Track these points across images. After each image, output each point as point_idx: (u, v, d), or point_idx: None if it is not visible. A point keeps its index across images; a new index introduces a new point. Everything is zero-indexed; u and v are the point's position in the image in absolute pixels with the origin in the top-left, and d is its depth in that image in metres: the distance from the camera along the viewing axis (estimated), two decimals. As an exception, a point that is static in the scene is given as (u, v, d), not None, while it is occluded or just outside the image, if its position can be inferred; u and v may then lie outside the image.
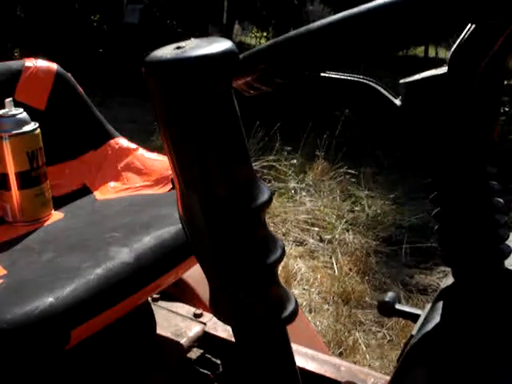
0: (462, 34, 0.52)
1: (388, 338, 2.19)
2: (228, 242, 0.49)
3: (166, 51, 0.46)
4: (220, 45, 0.45)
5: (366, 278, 2.59)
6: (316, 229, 3.03)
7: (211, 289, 0.52)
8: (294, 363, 0.55)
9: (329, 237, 2.96)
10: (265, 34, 7.42)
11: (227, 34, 6.93)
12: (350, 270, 2.64)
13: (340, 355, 2.04)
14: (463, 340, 0.55)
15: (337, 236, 2.95)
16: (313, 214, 3.15)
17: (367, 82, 0.57)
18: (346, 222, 3.09)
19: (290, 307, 0.51)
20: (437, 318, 0.59)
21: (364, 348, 2.12)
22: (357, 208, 3.28)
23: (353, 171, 3.50)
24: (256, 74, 0.48)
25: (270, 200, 0.48)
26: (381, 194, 3.40)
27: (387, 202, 3.33)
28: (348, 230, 3.02)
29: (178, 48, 0.46)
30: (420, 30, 0.45)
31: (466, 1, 0.43)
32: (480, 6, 0.44)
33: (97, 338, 0.88)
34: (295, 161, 3.69)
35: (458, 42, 0.54)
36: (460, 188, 0.58)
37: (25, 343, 0.79)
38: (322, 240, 2.95)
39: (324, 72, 0.53)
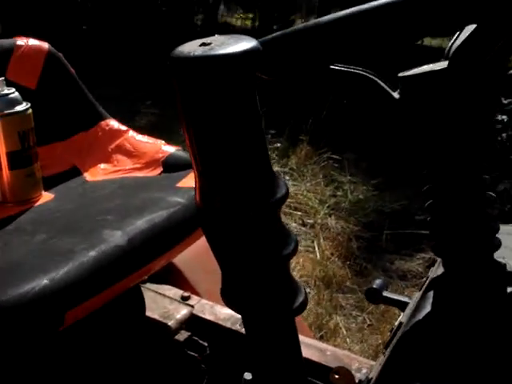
0: (464, 31, 0.53)
1: (368, 322, 2.22)
2: (245, 234, 0.50)
3: (192, 48, 0.46)
4: (246, 43, 0.46)
5: (348, 262, 2.61)
6: (299, 213, 3.04)
7: (224, 278, 0.53)
8: (301, 353, 0.56)
9: (311, 221, 2.98)
10: (250, 15, 7.37)
11: (212, 15, 6.87)
12: (332, 254, 2.66)
13: (321, 338, 2.07)
14: (454, 329, 0.57)
15: (319, 220, 2.97)
16: (296, 198, 3.16)
17: (367, 74, 0.58)
18: (328, 206, 3.11)
19: (300, 298, 0.52)
20: (428, 307, 0.61)
21: (344, 332, 2.15)
22: (339, 193, 3.30)
23: (336, 156, 3.51)
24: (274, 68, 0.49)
25: (286, 195, 0.50)
26: (363, 179, 3.42)
27: (369, 187, 3.35)
28: (330, 215, 3.04)
29: (204, 45, 0.46)
30: (423, 27, 0.48)
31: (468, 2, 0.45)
32: (482, 8, 0.45)
33: (89, 320, 0.89)
34: (279, 144, 3.70)
35: (458, 38, 0.55)
36: (454, 181, 0.60)
37: (20, 324, 0.80)
38: (304, 224, 2.97)
39: (332, 64, 0.54)
